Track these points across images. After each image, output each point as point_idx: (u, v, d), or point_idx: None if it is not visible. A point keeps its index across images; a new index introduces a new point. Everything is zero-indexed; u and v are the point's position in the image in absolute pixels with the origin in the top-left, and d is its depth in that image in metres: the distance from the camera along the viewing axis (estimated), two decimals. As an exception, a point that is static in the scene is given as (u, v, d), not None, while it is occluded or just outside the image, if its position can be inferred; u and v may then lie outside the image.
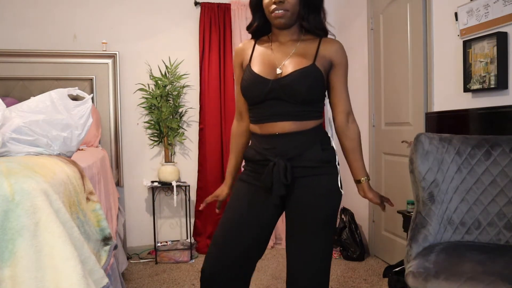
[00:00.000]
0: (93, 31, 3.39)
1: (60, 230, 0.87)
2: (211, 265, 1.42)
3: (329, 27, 1.48)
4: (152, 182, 3.39)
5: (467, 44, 2.17)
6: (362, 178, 1.48)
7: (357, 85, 3.47)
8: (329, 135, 1.48)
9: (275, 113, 1.40)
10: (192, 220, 3.56)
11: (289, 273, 1.42)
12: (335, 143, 1.49)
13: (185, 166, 3.57)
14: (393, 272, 2.52)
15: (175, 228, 3.62)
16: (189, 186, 3.42)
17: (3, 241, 0.82)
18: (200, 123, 3.53)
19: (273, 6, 1.36)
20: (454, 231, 1.72)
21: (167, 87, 3.44)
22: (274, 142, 1.40)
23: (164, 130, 3.43)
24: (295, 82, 1.36)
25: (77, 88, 1.43)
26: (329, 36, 1.48)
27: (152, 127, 3.47)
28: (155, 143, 3.51)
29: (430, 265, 1.45)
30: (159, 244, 3.33)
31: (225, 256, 1.42)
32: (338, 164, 1.45)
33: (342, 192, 1.44)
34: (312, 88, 1.38)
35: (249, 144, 1.56)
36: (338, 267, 3.05)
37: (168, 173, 3.32)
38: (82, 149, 2.45)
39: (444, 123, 2.39)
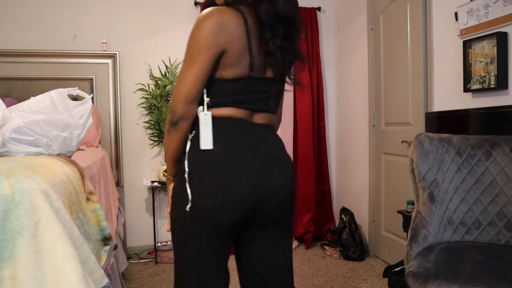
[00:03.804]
0: (93, 31, 3.39)
1: (60, 230, 0.87)
2: None
3: None
4: (152, 182, 3.38)
5: (467, 44, 2.17)
6: None
7: (357, 85, 3.47)
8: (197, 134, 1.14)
9: None
10: (192, 220, 3.55)
11: None
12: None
13: (185, 166, 3.57)
14: (393, 272, 2.52)
15: (175, 228, 3.62)
16: (189, 186, 3.41)
17: (3, 241, 0.82)
18: (200, 123, 3.53)
19: None
20: (454, 231, 1.72)
21: (167, 87, 3.44)
22: None
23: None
24: None
25: (77, 88, 1.43)
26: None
27: (152, 127, 3.47)
28: (155, 143, 3.51)
29: (430, 265, 1.45)
30: (159, 244, 3.33)
31: None
32: (187, 173, 1.12)
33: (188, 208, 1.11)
34: None
35: None
36: (338, 267, 3.05)
37: (168, 173, 3.32)
38: (82, 149, 2.45)
39: (444, 123, 2.39)
